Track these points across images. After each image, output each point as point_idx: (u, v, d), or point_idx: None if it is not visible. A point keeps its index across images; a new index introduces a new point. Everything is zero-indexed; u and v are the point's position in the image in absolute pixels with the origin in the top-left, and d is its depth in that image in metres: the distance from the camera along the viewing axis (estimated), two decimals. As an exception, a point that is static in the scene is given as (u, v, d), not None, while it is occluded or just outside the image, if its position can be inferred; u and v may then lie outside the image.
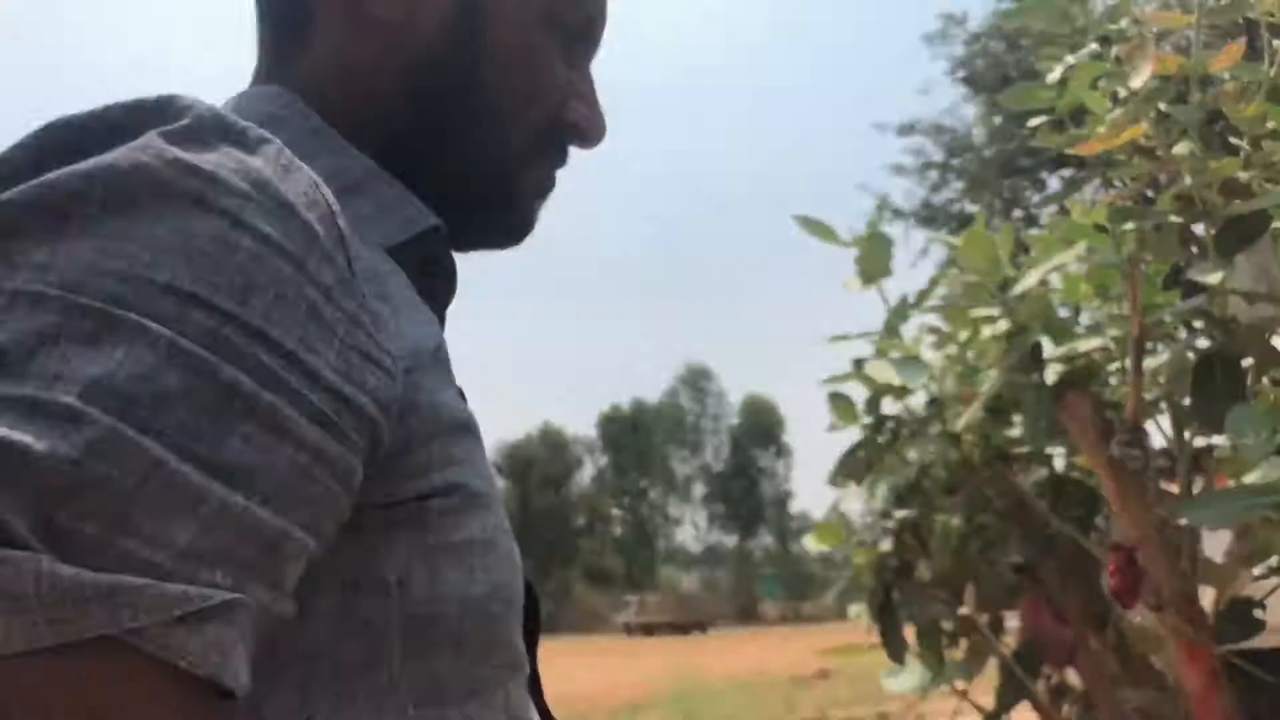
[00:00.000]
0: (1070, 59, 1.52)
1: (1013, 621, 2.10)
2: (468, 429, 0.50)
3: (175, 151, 0.40)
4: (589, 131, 0.65)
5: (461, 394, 0.53)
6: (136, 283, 0.37)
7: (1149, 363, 1.58)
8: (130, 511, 0.34)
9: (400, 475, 0.45)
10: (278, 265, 0.40)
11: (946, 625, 2.02)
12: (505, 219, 0.65)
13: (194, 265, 0.38)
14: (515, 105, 0.61)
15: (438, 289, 0.57)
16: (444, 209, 0.59)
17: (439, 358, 0.50)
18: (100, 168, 0.39)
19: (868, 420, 2.06)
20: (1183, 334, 1.61)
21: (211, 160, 0.41)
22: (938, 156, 15.64)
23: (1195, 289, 1.41)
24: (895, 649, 1.99)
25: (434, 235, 0.57)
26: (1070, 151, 1.42)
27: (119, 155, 0.40)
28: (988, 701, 2.01)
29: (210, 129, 0.43)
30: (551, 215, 0.68)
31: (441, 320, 0.57)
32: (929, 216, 15.29)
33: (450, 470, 0.47)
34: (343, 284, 0.43)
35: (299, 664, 0.42)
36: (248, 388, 0.37)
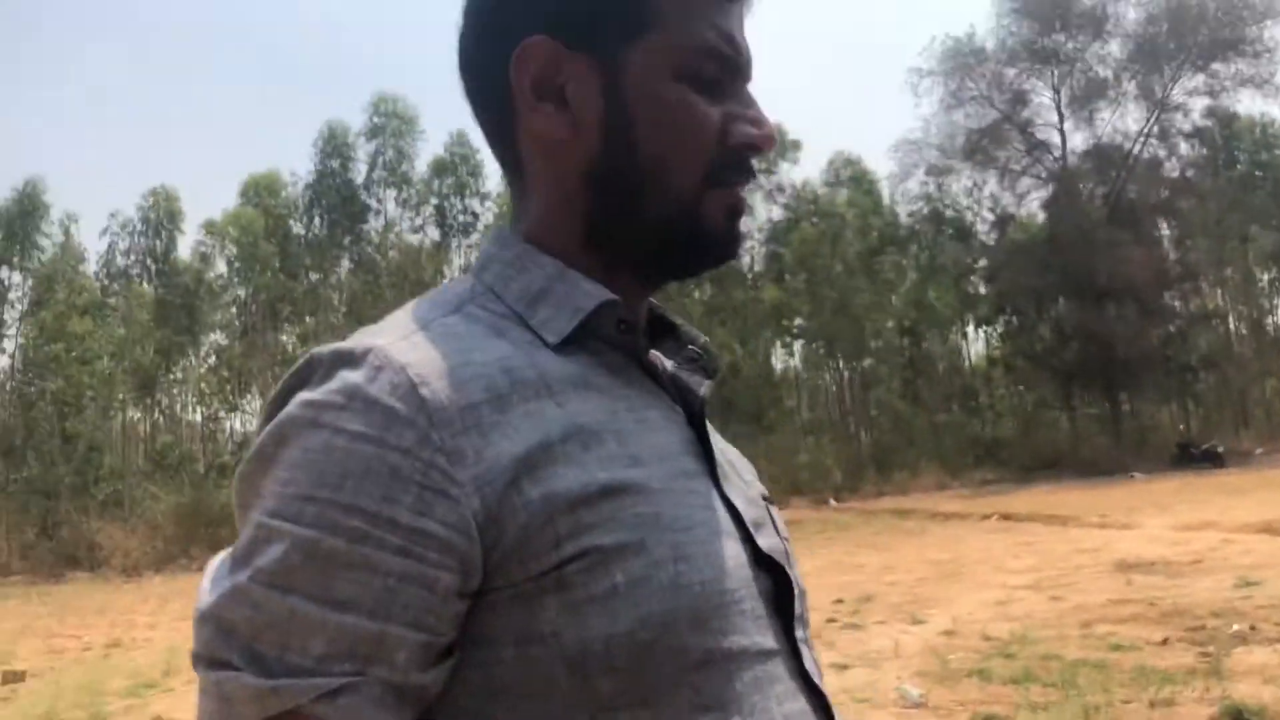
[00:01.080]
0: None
1: None
2: (606, 492, 0.63)
3: (305, 394, 0.62)
4: (759, 144, 0.75)
5: (633, 457, 0.66)
6: (282, 498, 0.60)
7: None
8: (287, 638, 0.57)
9: (531, 555, 0.60)
10: (362, 449, 0.59)
11: None
12: (708, 246, 0.76)
13: (308, 472, 0.59)
14: (673, 161, 0.73)
15: (628, 343, 0.73)
16: (658, 257, 0.75)
17: (554, 450, 0.63)
18: (274, 422, 0.63)
19: None
20: None
21: (324, 389, 0.62)
22: None
23: None
24: None
25: (608, 308, 0.71)
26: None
27: (283, 411, 0.62)
28: None
29: (328, 365, 0.63)
30: None
31: (669, 331, 0.82)
32: None
33: (583, 538, 0.61)
34: (422, 441, 0.60)
35: (503, 695, 0.61)
36: (342, 548, 0.58)
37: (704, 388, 0.76)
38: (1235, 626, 6.77)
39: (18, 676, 9.18)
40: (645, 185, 0.73)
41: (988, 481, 30.79)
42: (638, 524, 0.63)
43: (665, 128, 0.72)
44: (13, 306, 33.77)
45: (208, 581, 0.61)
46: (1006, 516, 18.28)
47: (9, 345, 33.52)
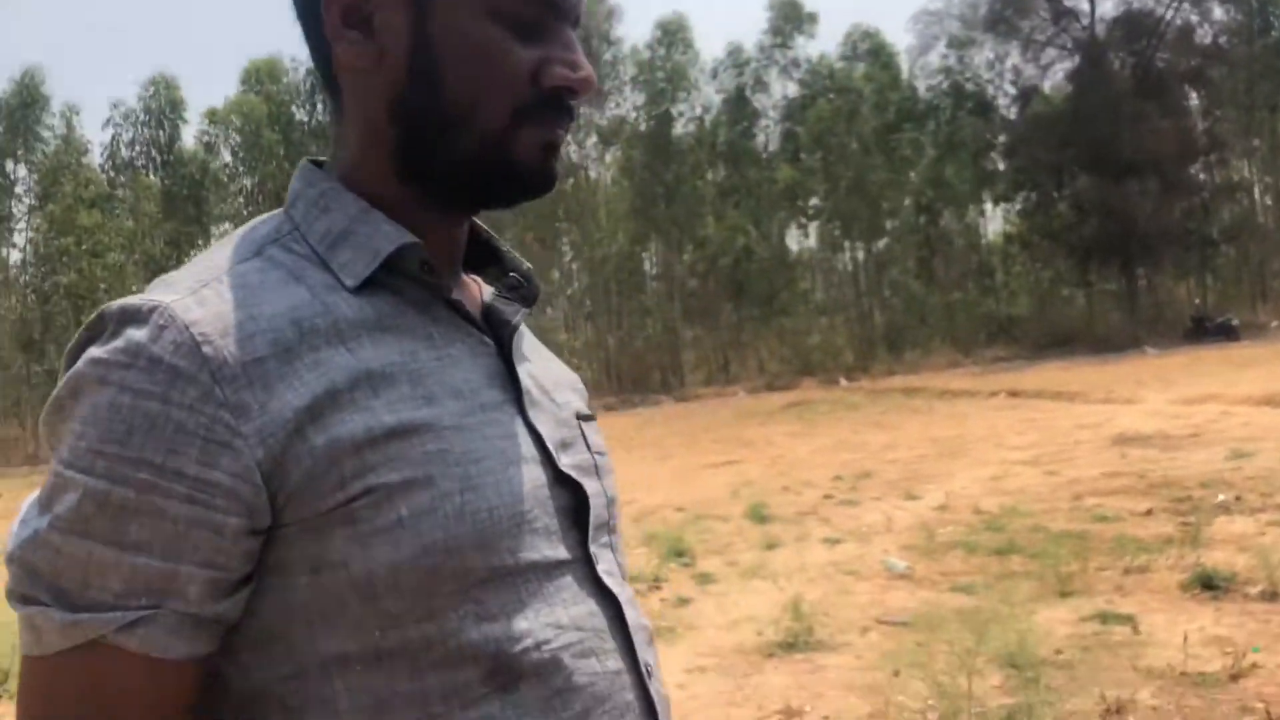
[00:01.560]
0: None
1: None
2: (393, 434, 0.67)
3: (95, 351, 0.65)
4: (575, 86, 0.75)
5: (426, 397, 0.70)
6: (75, 450, 0.64)
7: None
8: (87, 576, 0.63)
9: (317, 495, 0.65)
10: (147, 406, 0.63)
11: None
12: (521, 181, 0.76)
13: (97, 427, 0.63)
14: (478, 100, 0.73)
15: (431, 284, 0.74)
16: (469, 190, 0.77)
17: (340, 398, 0.67)
18: (68, 376, 0.67)
19: None
20: None
21: (111, 346, 0.65)
22: None
23: None
24: None
25: (409, 250, 0.73)
26: None
27: (75, 366, 0.66)
28: None
29: (116, 322, 0.66)
30: None
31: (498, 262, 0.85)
32: None
33: (369, 477, 0.66)
34: (204, 397, 0.64)
35: (300, 615, 0.67)
36: (132, 497, 0.63)
37: (518, 316, 0.80)
38: (1221, 497, 6.82)
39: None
40: (450, 122, 0.74)
41: (1000, 359, 30.80)
42: (425, 461, 0.68)
43: (471, 66, 0.73)
44: (20, 200, 33.72)
45: (17, 523, 0.67)
46: (1014, 394, 18.32)
47: (20, 240, 33.61)
